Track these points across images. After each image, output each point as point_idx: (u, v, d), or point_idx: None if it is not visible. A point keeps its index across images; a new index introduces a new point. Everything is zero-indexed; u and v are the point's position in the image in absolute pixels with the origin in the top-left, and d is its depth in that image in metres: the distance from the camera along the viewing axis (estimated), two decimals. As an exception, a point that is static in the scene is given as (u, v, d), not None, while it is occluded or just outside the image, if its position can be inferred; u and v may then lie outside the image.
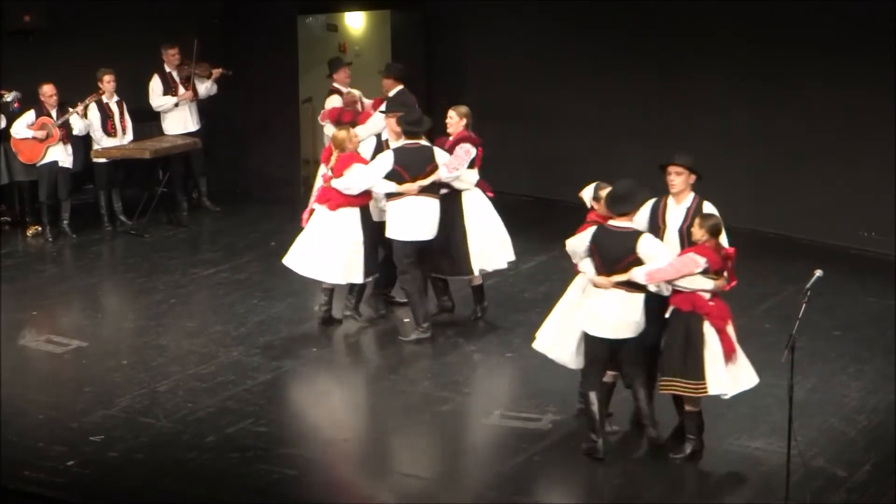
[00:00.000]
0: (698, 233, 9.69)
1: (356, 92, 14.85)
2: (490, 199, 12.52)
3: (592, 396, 9.84)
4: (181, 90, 16.06)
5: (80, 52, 15.79)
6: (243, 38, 16.90)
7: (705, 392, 9.69)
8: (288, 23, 16.96)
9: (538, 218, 15.82)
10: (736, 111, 15.37)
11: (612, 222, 9.81)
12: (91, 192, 16.02)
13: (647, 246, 9.67)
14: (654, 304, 9.81)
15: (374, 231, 12.23)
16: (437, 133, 13.10)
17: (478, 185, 12.46)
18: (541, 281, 13.53)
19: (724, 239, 9.76)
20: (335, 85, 15.02)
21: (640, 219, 10.00)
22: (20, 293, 13.48)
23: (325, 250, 12.12)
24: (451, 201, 12.28)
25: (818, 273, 9.31)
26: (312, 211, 12.32)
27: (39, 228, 15.38)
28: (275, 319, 12.81)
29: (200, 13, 16.88)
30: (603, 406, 9.92)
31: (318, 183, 12.79)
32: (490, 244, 12.46)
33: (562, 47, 16.56)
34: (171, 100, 16.02)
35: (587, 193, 10.31)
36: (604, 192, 10.01)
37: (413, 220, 12.02)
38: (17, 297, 13.31)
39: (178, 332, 12.52)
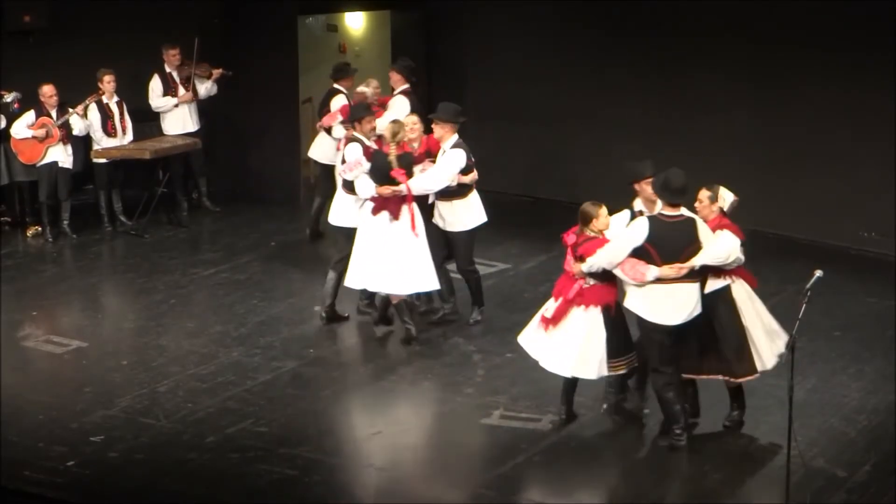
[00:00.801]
0: (706, 209, 10.01)
1: (366, 88, 14.56)
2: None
3: (671, 395, 9.92)
4: (181, 91, 16.05)
5: (80, 52, 15.78)
6: (243, 39, 16.88)
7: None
8: (288, 23, 16.93)
9: (538, 218, 15.81)
10: (736, 111, 15.35)
11: (664, 212, 9.87)
12: (91, 192, 16.00)
13: (704, 231, 9.89)
14: None
15: None
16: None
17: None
18: (541, 281, 13.51)
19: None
20: (336, 86, 14.95)
21: (618, 226, 10.22)
22: (20, 293, 13.48)
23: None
24: None
25: (818, 273, 9.32)
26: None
27: (39, 229, 15.37)
28: (275, 319, 12.81)
29: (200, 13, 16.85)
30: (681, 398, 10.03)
31: None
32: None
33: (561, 48, 16.54)
34: (170, 100, 16.00)
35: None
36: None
37: None
38: (17, 297, 13.32)
39: (178, 333, 12.52)
